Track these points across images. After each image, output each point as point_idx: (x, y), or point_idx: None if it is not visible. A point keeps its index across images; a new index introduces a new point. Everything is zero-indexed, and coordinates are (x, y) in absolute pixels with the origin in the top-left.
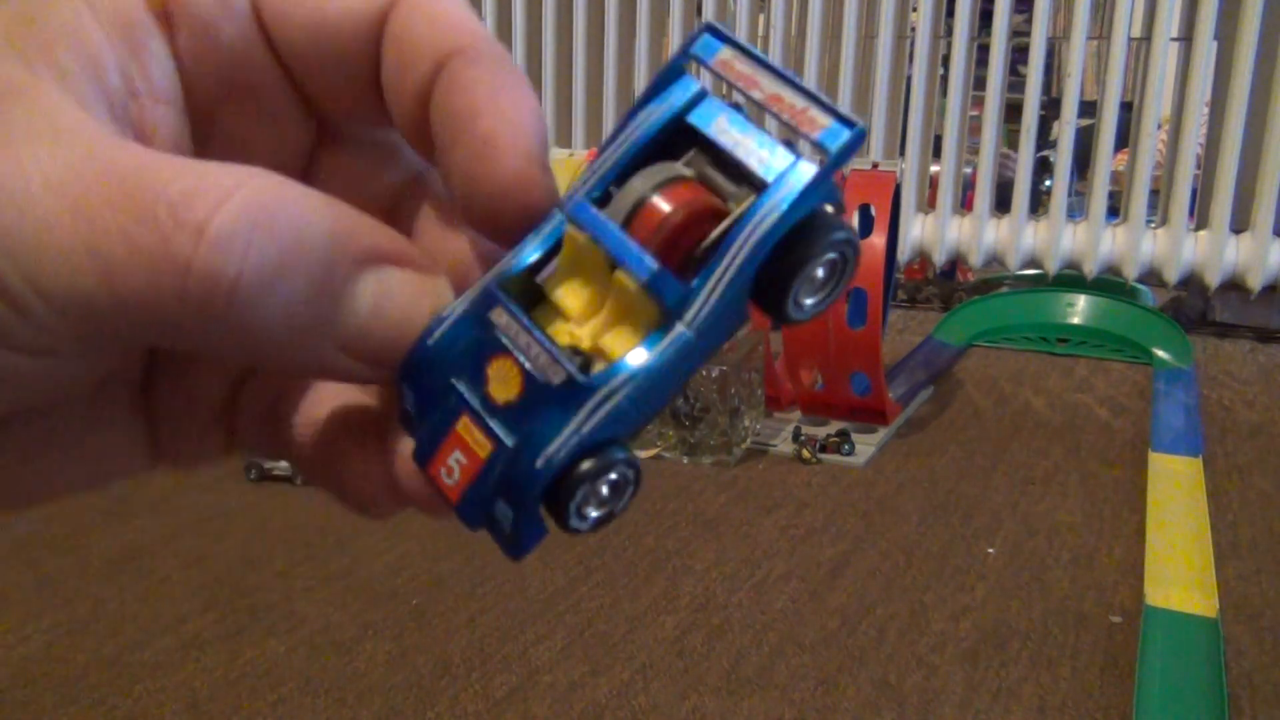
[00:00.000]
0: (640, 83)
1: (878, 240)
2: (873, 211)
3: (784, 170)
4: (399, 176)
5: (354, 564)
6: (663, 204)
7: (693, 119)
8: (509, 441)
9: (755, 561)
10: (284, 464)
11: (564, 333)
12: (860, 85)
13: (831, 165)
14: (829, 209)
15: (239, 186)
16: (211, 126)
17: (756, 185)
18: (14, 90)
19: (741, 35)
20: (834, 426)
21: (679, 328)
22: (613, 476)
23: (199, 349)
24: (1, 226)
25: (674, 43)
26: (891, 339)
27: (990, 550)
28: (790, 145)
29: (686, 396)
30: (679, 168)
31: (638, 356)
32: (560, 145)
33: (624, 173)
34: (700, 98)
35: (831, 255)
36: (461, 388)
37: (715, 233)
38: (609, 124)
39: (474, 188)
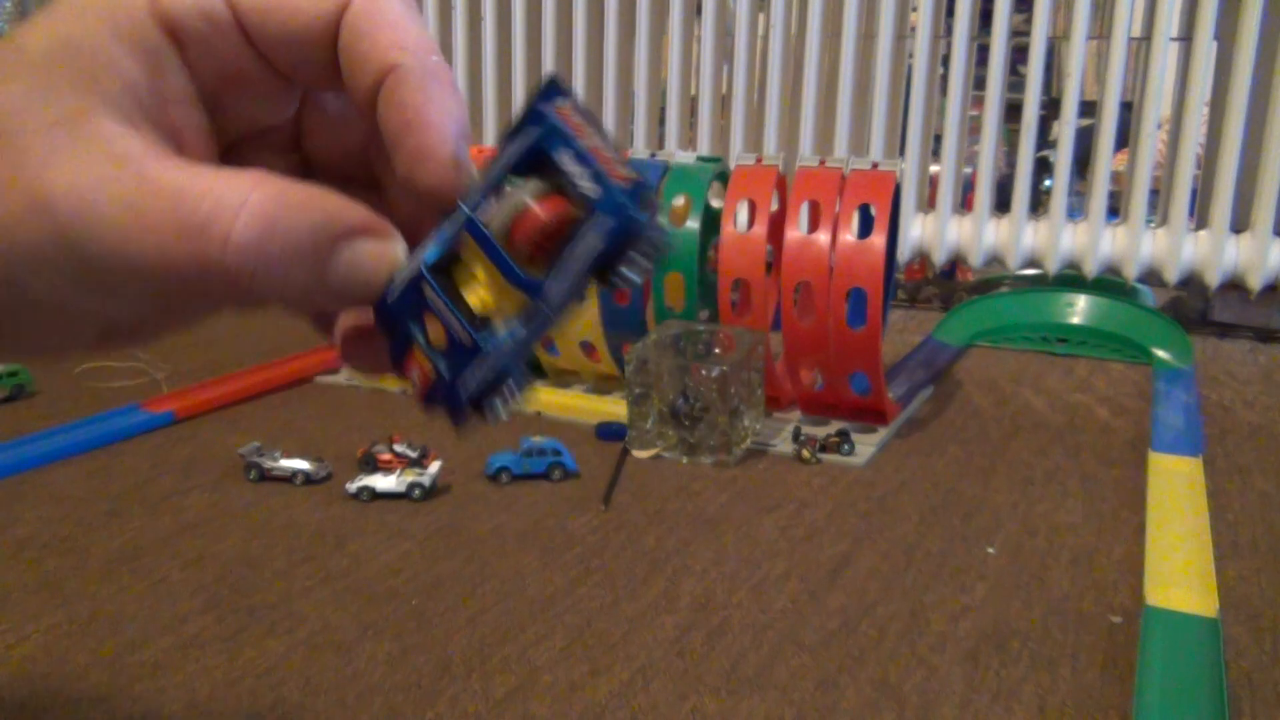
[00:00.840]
0: (639, 82)
1: (877, 240)
2: (873, 211)
3: (609, 200)
4: (367, 128)
5: (354, 564)
6: (540, 211)
7: (549, 149)
8: (446, 374)
9: (755, 561)
10: (284, 464)
11: (475, 292)
12: (860, 85)
13: (636, 203)
14: (644, 216)
15: (244, 203)
16: (221, 109)
17: (589, 206)
18: (77, 117)
19: (742, 35)
20: (834, 426)
21: (543, 308)
22: (510, 391)
23: (234, 305)
24: (97, 233)
25: (674, 42)
26: (891, 339)
27: (990, 550)
28: (607, 178)
29: (686, 396)
30: (545, 184)
31: (517, 328)
32: None
33: (503, 182)
34: (552, 134)
35: (646, 249)
36: (413, 329)
37: (582, 223)
38: (608, 124)
39: (410, 185)
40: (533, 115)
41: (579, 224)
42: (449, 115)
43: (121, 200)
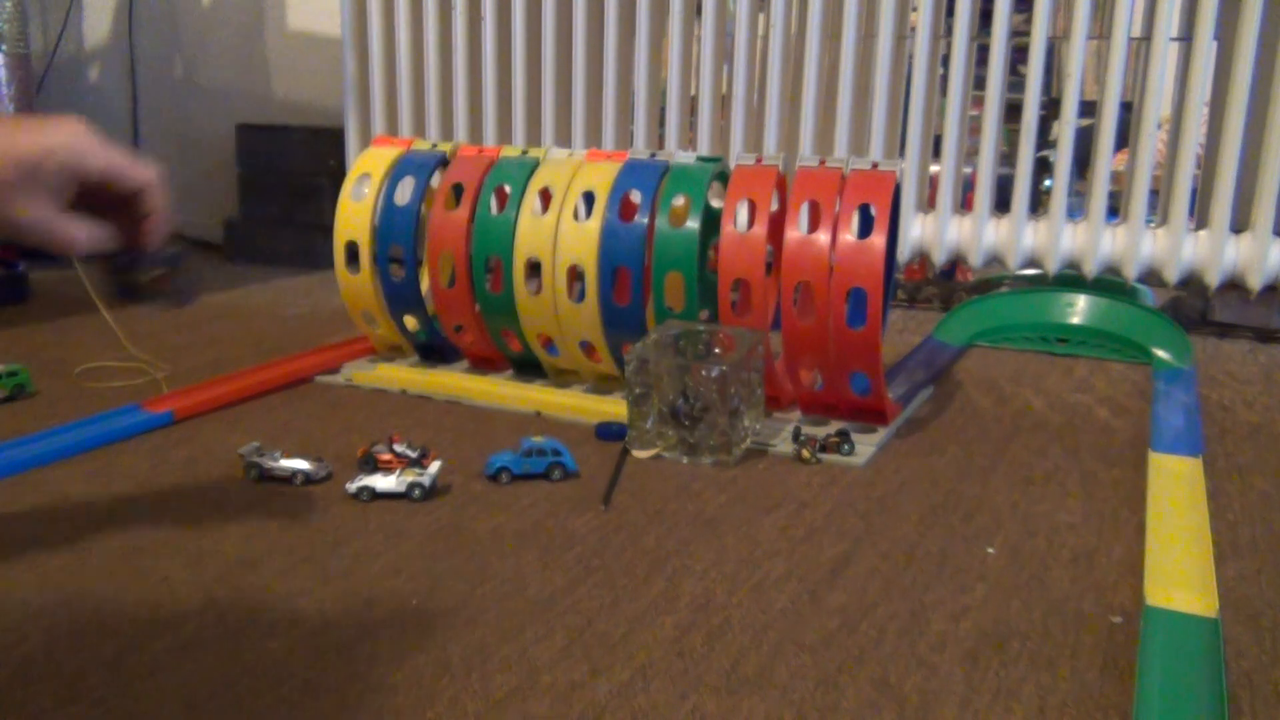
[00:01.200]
0: (639, 83)
1: (877, 240)
2: (873, 211)
3: (180, 283)
4: (126, 194)
5: (354, 564)
6: (164, 276)
7: (175, 264)
8: (131, 298)
9: (755, 561)
10: (284, 464)
11: (144, 283)
12: (860, 85)
13: (189, 286)
14: (187, 295)
15: (75, 233)
16: (74, 195)
17: (174, 282)
18: (36, 195)
19: (742, 35)
20: (834, 426)
21: (160, 297)
22: (158, 297)
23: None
24: (35, 235)
25: (674, 43)
26: (891, 339)
27: (990, 550)
28: (182, 280)
29: (686, 396)
30: (164, 269)
31: (157, 295)
32: (560, 145)
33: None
34: (174, 261)
35: (188, 295)
36: (125, 284)
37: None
38: (608, 124)
39: (147, 241)
40: (173, 255)
41: (173, 280)
42: (164, 229)
43: (46, 228)
